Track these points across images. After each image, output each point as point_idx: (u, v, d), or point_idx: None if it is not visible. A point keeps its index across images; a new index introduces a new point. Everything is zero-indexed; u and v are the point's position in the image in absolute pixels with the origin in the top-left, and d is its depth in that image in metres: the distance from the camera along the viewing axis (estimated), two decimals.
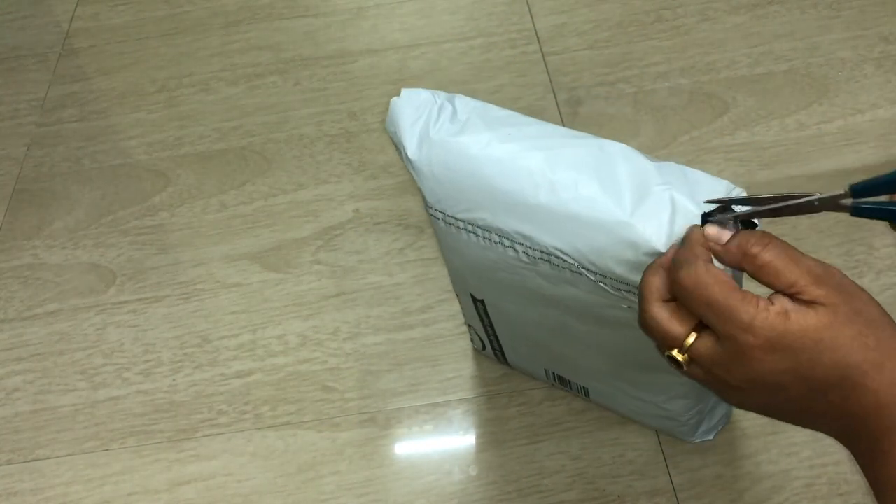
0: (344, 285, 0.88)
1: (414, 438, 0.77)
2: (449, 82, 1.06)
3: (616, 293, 0.56)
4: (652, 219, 0.51)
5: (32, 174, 1.02)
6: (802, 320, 0.41)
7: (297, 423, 0.78)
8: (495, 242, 0.59)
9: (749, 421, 0.73)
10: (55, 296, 0.90)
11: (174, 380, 0.82)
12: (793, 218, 0.91)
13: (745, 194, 0.51)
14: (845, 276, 0.43)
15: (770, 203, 0.46)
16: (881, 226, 0.85)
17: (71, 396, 0.82)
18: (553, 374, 0.74)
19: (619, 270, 0.53)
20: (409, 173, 0.96)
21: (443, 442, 0.76)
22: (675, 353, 0.44)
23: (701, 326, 0.44)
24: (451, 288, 0.86)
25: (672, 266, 0.45)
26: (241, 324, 0.86)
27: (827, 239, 0.85)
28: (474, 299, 0.69)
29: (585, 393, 0.74)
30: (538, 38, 1.09)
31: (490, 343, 0.75)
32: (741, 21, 1.08)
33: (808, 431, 0.69)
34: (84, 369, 0.84)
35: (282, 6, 1.19)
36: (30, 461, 0.78)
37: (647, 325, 0.46)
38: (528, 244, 0.57)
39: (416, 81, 1.07)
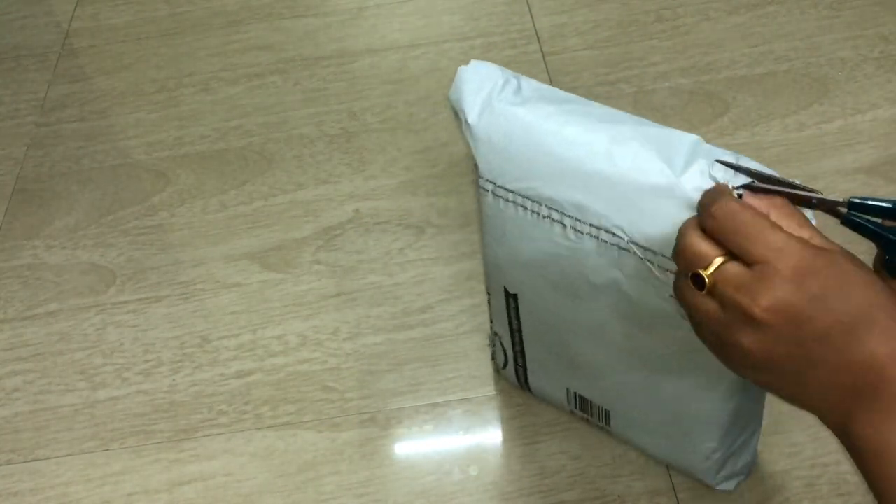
0: (344, 285, 0.88)
1: (414, 438, 0.77)
2: (449, 82, 1.05)
3: (662, 276, 0.55)
4: (701, 181, 0.51)
5: (32, 174, 1.02)
6: (832, 253, 0.42)
7: (297, 423, 0.78)
8: (543, 216, 0.59)
9: None
10: (55, 296, 0.90)
11: (174, 380, 0.82)
12: None
13: (754, 163, 0.52)
14: None
15: (774, 183, 0.47)
16: None
17: (71, 396, 0.82)
18: (576, 395, 0.71)
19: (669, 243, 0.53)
20: (409, 173, 0.97)
21: (443, 442, 0.76)
22: (700, 270, 0.43)
23: (732, 257, 0.43)
24: (451, 288, 0.86)
25: (702, 203, 0.46)
26: (241, 324, 0.86)
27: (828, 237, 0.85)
28: (507, 295, 0.68)
29: (607, 419, 0.71)
30: (538, 38, 1.10)
31: (514, 358, 0.73)
32: (741, 21, 1.08)
33: (810, 431, 0.69)
34: (84, 369, 0.84)
35: (282, 6, 1.19)
36: (30, 461, 0.78)
37: (679, 245, 0.46)
38: (578, 216, 0.57)
39: (416, 81, 1.07)
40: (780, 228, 0.43)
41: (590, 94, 1.02)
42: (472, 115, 0.60)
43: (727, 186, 0.47)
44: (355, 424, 0.77)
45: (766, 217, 0.43)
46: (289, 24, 1.17)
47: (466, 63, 0.63)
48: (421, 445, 0.76)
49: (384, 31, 1.14)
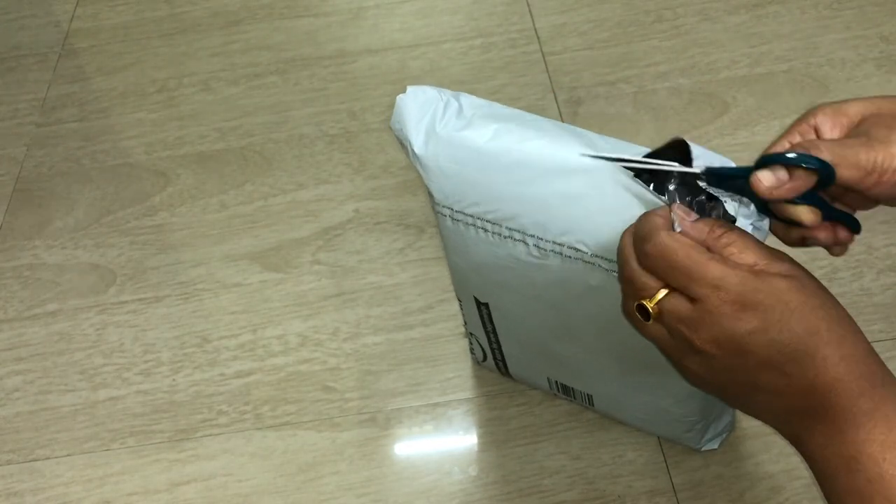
0: (344, 285, 0.88)
1: (414, 438, 0.77)
2: (449, 82, 1.06)
3: None
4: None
5: (32, 174, 1.02)
6: (774, 281, 0.42)
7: (297, 423, 0.78)
8: (504, 237, 0.59)
9: (750, 421, 0.73)
10: (55, 296, 0.90)
11: (174, 380, 0.82)
12: None
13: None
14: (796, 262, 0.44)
15: (640, 162, 0.48)
16: (882, 227, 0.85)
17: (71, 396, 0.82)
18: (556, 382, 0.73)
19: None
20: (409, 173, 0.97)
21: (443, 442, 0.76)
22: (645, 301, 0.44)
23: (673, 289, 0.44)
24: (451, 288, 0.86)
25: (636, 241, 0.46)
26: (241, 324, 0.86)
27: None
28: (478, 303, 0.69)
29: (590, 401, 0.73)
30: (538, 38, 1.10)
31: (492, 352, 0.74)
32: (741, 21, 1.08)
33: None
34: (84, 369, 0.84)
35: (282, 6, 1.19)
36: (30, 461, 0.78)
37: (622, 273, 0.46)
38: (540, 234, 0.57)
39: (416, 81, 1.06)
40: (717, 260, 0.43)
41: (590, 94, 1.02)
42: (417, 144, 0.59)
43: (658, 220, 0.45)
44: (355, 424, 0.77)
45: (701, 250, 0.43)
46: (289, 24, 1.17)
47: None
48: (421, 445, 0.76)
49: (384, 31, 1.14)
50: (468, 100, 0.60)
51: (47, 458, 0.78)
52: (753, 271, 0.42)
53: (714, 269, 0.42)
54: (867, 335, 0.43)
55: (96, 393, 0.82)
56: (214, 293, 0.88)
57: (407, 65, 1.09)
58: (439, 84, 1.05)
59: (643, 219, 0.46)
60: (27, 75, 1.15)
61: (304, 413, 0.79)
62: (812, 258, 0.84)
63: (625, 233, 0.47)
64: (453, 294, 0.85)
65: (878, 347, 0.77)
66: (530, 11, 1.13)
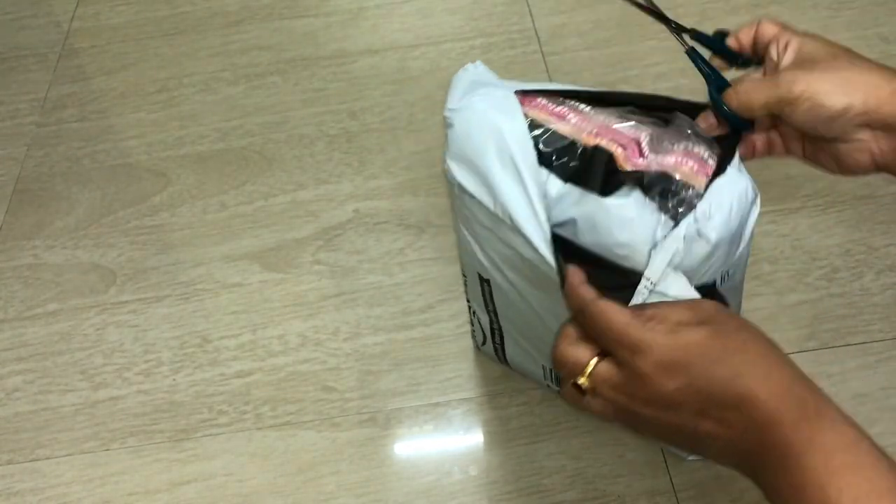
0: (344, 285, 0.88)
1: (414, 438, 0.77)
2: (449, 82, 1.06)
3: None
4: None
5: (32, 174, 1.02)
6: (689, 334, 0.44)
7: (297, 423, 0.78)
8: (499, 219, 0.59)
9: None
10: (55, 296, 0.90)
11: (174, 380, 0.82)
12: (793, 219, 0.92)
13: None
14: (718, 305, 0.47)
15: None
16: (882, 227, 0.85)
17: (71, 396, 0.82)
18: (551, 371, 0.73)
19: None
20: (409, 173, 0.97)
21: (443, 442, 0.76)
22: (579, 379, 0.46)
23: (604, 354, 0.46)
24: (451, 288, 0.86)
25: (570, 307, 0.49)
26: (241, 324, 0.86)
27: (827, 239, 0.85)
28: (481, 280, 0.69)
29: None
30: (538, 38, 1.10)
31: (492, 335, 0.75)
32: (741, 21, 1.07)
33: None
34: (84, 369, 0.84)
35: (282, 6, 1.19)
36: (30, 461, 0.78)
37: (554, 358, 0.49)
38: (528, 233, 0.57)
39: (416, 81, 1.07)
40: (642, 321, 0.45)
41: None
42: (451, 100, 0.61)
43: (587, 291, 0.48)
44: (355, 424, 0.77)
45: (627, 313, 0.45)
46: (289, 24, 1.17)
47: (467, 63, 0.64)
48: (421, 445, 0.76)
49: (384, 31, 1.14)
50: (510, 90, 0.61)
51: (47, 458, 0.78)
52: (672, 329, 0.44)
53: (633, 335, 0.44)
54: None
55: (96, 393, 0.82)
56: (214, 293, 0.88)
57: (407, 65, 1.09)
58: (439, 84, 1.06)
59: (569, 288, 0.49)
60: (27, 75, 1.15)
61: (304, 413, 0.79)
62: (812, 258, 0.84)
63: (560, 327, 0.50)
64: (453, 294, 0.85)
65: (877, 347, 0.77)
66: (530, 11, 1.13)
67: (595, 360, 0.46)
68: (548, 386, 0.76)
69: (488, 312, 0.72)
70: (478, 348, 0.80)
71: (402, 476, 0.74)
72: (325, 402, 0.79)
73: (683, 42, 0.58)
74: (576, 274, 0.50)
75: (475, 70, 0.63)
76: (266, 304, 0.87)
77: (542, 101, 0.60)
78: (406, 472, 0.74)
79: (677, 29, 0.59)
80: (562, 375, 0.49)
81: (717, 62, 0.59)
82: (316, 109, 1.05)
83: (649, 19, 0.65)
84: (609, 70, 1.04)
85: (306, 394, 0.80)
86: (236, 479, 0.75)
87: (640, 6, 0.59)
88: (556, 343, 0.49)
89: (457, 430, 0.77)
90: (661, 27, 1.10)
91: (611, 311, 0.46)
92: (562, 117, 0.59)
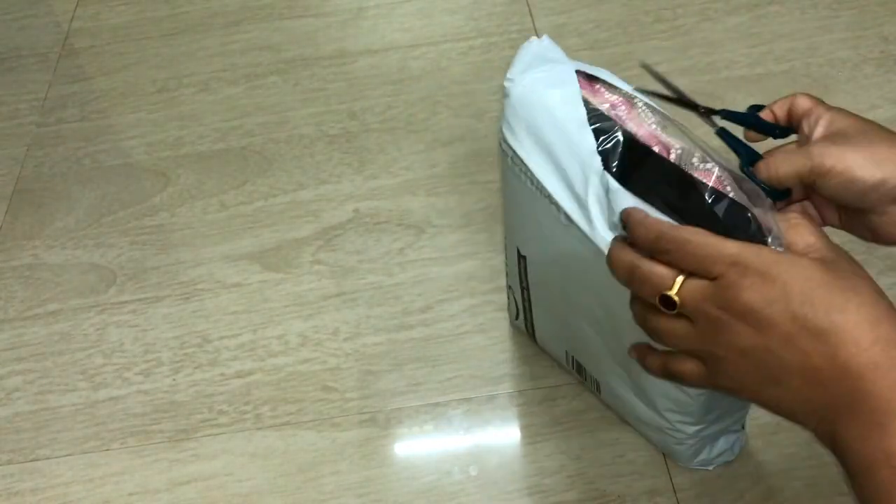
0: (344, 285, 0.88)
1: (414, 438, 0.77)
2: (449, 82, 1.06)
3: None
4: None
5: (32, 174, 1.02)
6: (796, 258, 0.42)
7: (297, 423, 0.78)
8: (544, 195, 0.61)
9: (750, 421, 0.73)
10: (55, 296, 0.90)
11: (174, 380, 0.82)
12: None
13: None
14: (838, 247, 0.45)
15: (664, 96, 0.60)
16: None
17: (71, 396, 0.82)
18: (573, 358, 0.74)
19: None
20: (409, 173, 0.97)
21: (443, 442, 0.76)
22: (668, 291, 0.44)
23: (690, 275, 0.44)
24: (451, 288, 0.86)
25: (638, 242, 0.46)
26: (241, 324, 0.86)
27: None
28: (519, 255, 0.70)
29: (597, 388, 0.73)
30: (538, 38, 1.09)
31: (524, 311, 0.75)
32: (741, 21, 1.08)
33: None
34: (84, 369, 0.84)
35: (282, 6, 1.19)
36: (30, 461, 0.78)
37: (633, 274, 0.46)
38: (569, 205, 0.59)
39: (416, 81, 1.07)
40: (737, 242, 0.43)
41: None
42: (512, 72, 0.62)
43: (651, 218, 0.46)
44: (355, 424, 0.77)
45: (711, 234, 0.43)
46: (289, 24, 1.17)
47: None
48: (421, 445, 0.76)
49: (384, 31, 1.14)
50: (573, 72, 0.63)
51: (47, 458, 0.78)
52: (774, 250, 0.42)
53: (731, 247, 0.42)
54: None
55: (96, 393, 0.82)
56: (214, 293, 0.88)
57: (407, 65, 1.09)
58: (439, 84, 1.06)
59: (637, 222, 0.46)
60: (27, 75, 1.15)
61: (304, 413, 0.79)
62: None
63: (613, 245, 0.48)
64: (453, 294, 0.85)
65: None
66: (530, 11, 1.13)
67: (682, 277, 0.44)
68: (568, 372, 0.76)
69: (522, 289, 0.73)
70: (511, 323, 0.81)
71: (402, 476, 0.74)
72: (325, 402, 0.79)
73: (713, 124, 0.57)
74: (638, 211, 0.47)
75: (540, 44, 0.64)
76: (266, 304, 0.87)
77: (600, 87, 0.62)
78: (406, 472, 0.74)
79: (706, 112, 0.59)
80: (642, 293, 0.46)
81: (751, 135, 0.58)
82: (316, 109, 1.05)
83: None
84: (609, 70, 1.04)
85: (306, 394, 0.80)
86: (236, 479, 0.75)
87: (667, 98, 0.60)
88: (631, 261, 0.46)
89: (457, 430, 0.77)
90: (662, 27, 1.10)
91: (700, 232, 0.43)
92: (614, 108, 0.61)
